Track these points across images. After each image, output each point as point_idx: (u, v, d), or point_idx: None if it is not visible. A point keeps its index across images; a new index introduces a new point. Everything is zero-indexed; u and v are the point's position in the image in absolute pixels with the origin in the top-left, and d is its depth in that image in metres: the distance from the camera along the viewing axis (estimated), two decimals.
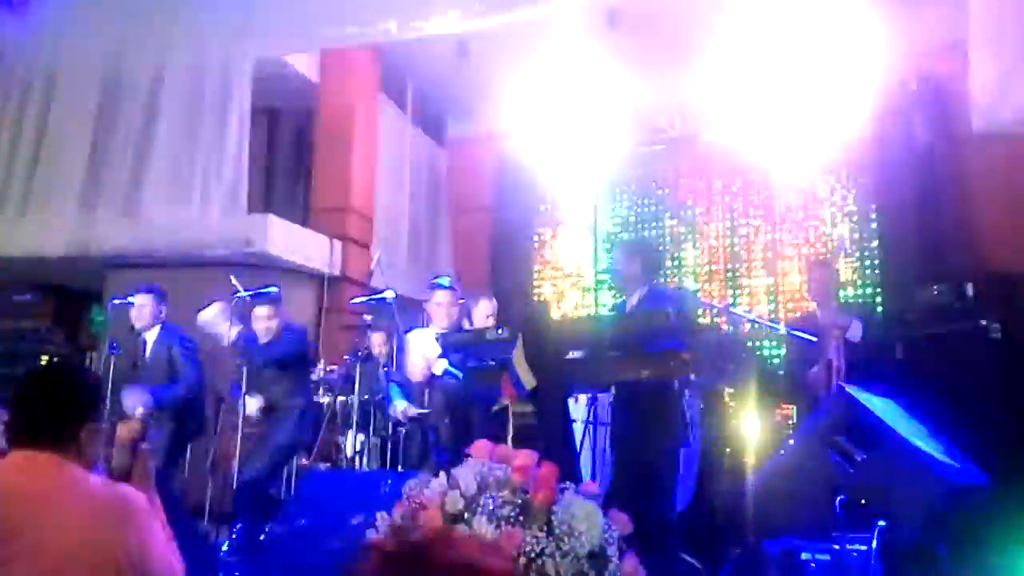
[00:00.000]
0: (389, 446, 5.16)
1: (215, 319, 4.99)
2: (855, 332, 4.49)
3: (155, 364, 5.14)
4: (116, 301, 5.35)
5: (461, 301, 4.80)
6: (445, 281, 4.89)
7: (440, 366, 4.57)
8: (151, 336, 5.21)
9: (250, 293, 5.03)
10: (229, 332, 4.92)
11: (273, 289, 4.99)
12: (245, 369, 4.90)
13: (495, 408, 3.74)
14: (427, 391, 4.66)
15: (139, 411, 4.67)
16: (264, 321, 4.97)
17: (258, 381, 4.96)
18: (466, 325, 5.05)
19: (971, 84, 5.24)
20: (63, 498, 1.93)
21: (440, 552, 2.53)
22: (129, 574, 1.91)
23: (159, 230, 6.91)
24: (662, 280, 7.23)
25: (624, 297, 4.54)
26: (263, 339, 4.96)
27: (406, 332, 4.81)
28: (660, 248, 8.08)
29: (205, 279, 6.03)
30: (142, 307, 5.18)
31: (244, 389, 4.88)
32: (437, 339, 4.63)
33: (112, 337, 5.23)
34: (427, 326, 4.91)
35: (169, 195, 7.13)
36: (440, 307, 4.75)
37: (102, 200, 7.15)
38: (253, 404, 4.92)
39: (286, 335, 5.06)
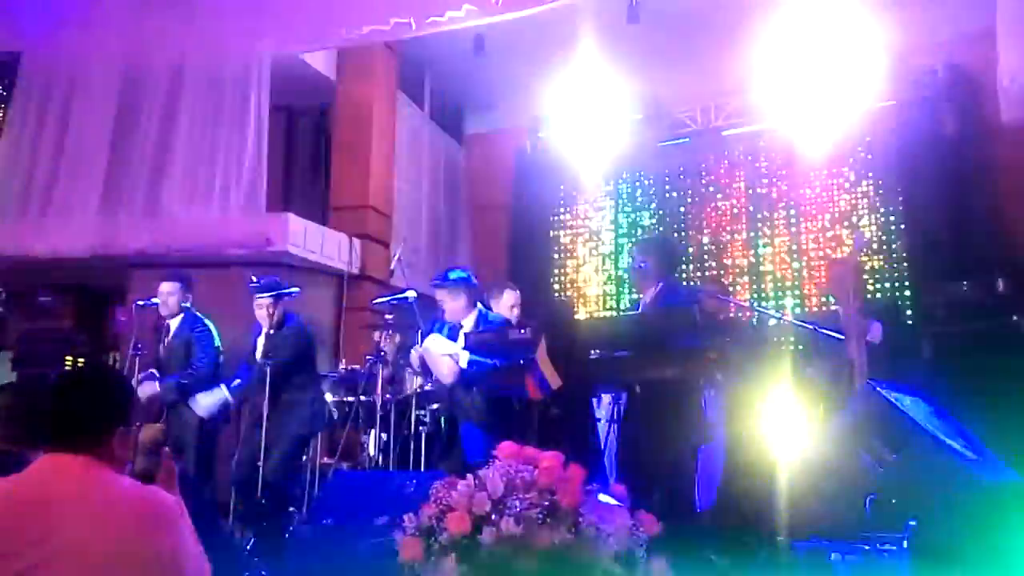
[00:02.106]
0: (412, 445, 5.15)
1: None
2: (875, 335, 4.43)
3: (175, 350, 5.27)
4: (140, 302, 5.39)
5: (463, 293, 4.74)
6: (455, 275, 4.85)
7: (465, 358, 4.55)
8: (174, 323, 5.34)
9: (271, 293, 5.02)
10: None
11: (294, 289, 4.99)
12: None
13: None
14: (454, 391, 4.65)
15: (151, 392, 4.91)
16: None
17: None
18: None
19: (999, 73, 5.14)
20: (97, 501, 1.92)
21: None
22: None
23: (180, 230, 6.92)
24: (679, 277, 7.19)
25: (641, 295, 4.52)
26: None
27: (421, 341, 4.77)
28: (678, 245, 8.02)
29: (226, 278, 6.04)
30: (168, 295, 5.29)
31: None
32: (466, 336, 4.62)
33: (137, 338, 5.26)
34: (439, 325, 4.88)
35: (189, 195, 7.15)
36: (442, 303, 4.75)
37: (123, 201, 7.18)
38: None
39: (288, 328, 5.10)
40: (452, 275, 4.74)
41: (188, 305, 5.38)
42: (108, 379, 2.20)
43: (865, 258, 7.19)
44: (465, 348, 4.57)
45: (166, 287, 5.34)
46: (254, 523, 4.73)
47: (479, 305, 4.78)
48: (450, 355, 4.53)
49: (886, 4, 6.65)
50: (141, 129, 7.41)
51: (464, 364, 4.50)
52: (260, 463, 4.57)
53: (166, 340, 5.35)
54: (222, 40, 7.42)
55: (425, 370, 4.83)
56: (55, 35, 7.64)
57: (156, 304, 5.30)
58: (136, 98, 7.48)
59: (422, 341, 4.74)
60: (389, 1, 7.17)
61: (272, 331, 4.93)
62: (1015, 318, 4.80)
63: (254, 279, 5.07)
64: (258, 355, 4.93)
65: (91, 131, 7.39)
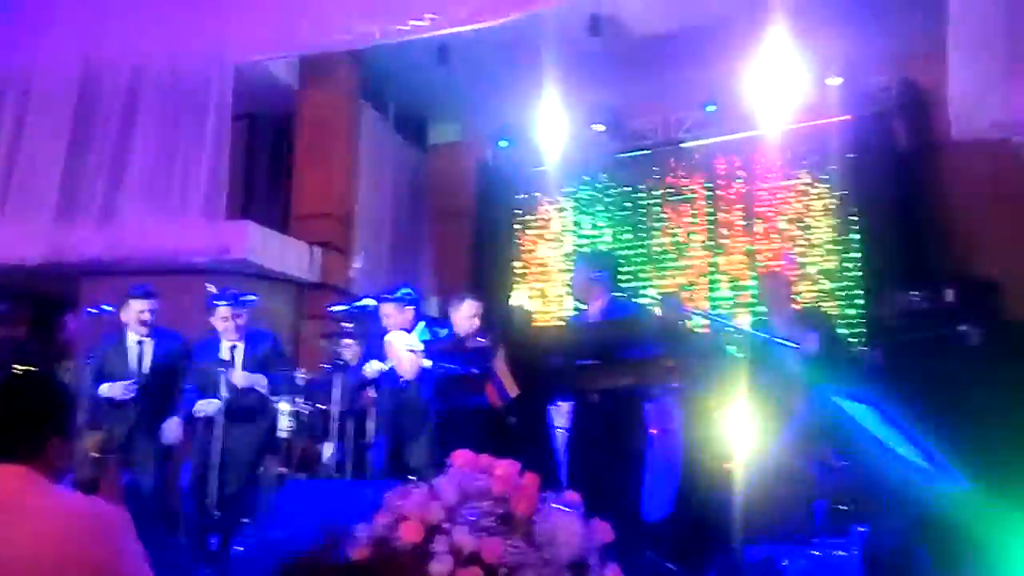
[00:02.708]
0: (369, 455, 5.12)
1: None
2: (810, 344, 4.50)
3: (158, 377, 5.12)
4: (91, 309, 5.26)
5: (410, 308, 4.81)
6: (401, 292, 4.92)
7: (427, 361, 4.58)
8: (149, 346, 5.16)
9: (228, 302, 4.97)
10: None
11: (252, 297, 4.95)
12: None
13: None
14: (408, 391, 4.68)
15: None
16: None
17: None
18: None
19: (950, 91, 5.27)
20: (33, 511, 1.88)
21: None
22: None
23: (135, 237, 6.82)
24: (625, 292, 7.23)
25: (584, 307, 4.58)
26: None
27: (383, 335, 4.81)
28: (634, 254, 8.12)
29: (181, 287, 5.95)
30: (142, 312, 5.11)
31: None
32: (426, 346, 4.65)
33: (89, 346, 5.15)
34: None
35: (147, 202, 7.06)
36: (388, 318, 4.78)
37: (79, 207, 7.07)
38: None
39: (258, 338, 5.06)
40: (399, 292, 4.81)
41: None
42: (45, 387, 2.15)
43: (814, 272, 7.33)
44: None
45: (143, 304, 5.10)
46: (210, 534, 4.68)
47: (422, 323, 4.84)
48: (413, 350, 4.56)
49: (845, 20, 6.79)
50: (98, 134, 7.31)
51: (428, 363, 4.53)
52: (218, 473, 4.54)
53: (142, 361, 5.14)
54: (183, 46, 7.35)
55: (380, 381, 4.85)
56: (10, 36, 7.50)
57: (110, 312, 5.19)
58: (94, 102, 7.38)
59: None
60: (352, 9, 7.16)
61: (240, 342, 4.89)
62: (962, 327, 4.91)
63: (212, 288, 5.02)
64: (237, 371, 4.87)
65: (47, 135, 7.27)
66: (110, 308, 5.19)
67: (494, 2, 6.74)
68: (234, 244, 6.80)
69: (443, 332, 4.88)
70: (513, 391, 3.87)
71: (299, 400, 5.37)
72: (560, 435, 4.62)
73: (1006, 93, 5.00)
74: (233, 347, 4.98)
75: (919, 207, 7.03)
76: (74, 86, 7.34)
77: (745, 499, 3.76)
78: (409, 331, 4.81)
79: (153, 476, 4.92)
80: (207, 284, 5.05)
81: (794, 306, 5.38)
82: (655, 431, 4.78)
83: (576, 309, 4.76)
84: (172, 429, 4.96)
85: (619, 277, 4.70)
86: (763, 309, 7.55)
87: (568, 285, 8.56)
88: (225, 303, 4.98)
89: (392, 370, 4.75)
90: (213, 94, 7.24)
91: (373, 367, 4.82)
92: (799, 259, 7.26)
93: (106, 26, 7.42)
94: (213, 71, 7.31)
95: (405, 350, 4.65)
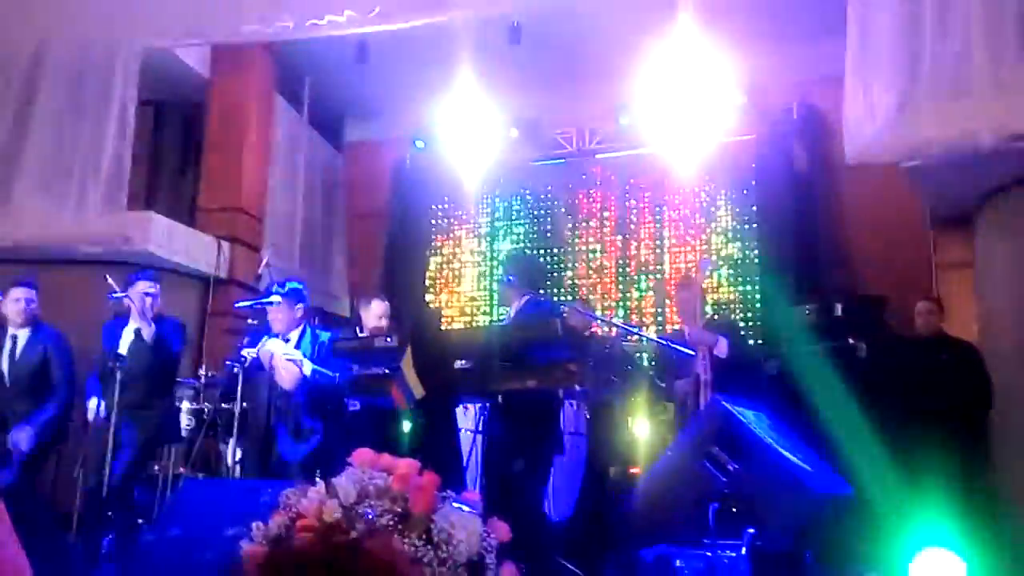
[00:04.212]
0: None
1: None
2: (721, 349, 4.68)
3: (29, 368, 4.85)
4: None
5: (299, 306, 4.68)
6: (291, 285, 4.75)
7: (308, 367, 4.45)
8: (23, 335, 4.91)
9: (125, 294, 4.79)
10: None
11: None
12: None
13: None
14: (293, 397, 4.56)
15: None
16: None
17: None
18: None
19: (845, 116, 5.53)
20: None
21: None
22: None
23: (30, 224, 6.52)
24: (544, 292, 7.34)
25: (508, 309, 4.61)
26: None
27: (256, 344, 4.60)
28: (541, 262, 8.21)
29: (78, 278, 5.73)
30: (19, 300, 4.86)
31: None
32: (332, 344, 4.52)
33: None
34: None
35: (44, 188, 6.76)
36: (274, 313, 4.64)
37: None
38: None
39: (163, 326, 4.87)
40: (288, 285, 4.66)
41: (38, 315, 4.95)
42: None
43: (715, 284, 7.56)
44: (309, 357, 4.45)
45: (21, 292, 4.86)
46: (102, 532, 4.51)
47: (308, 325, 4.69)
48: (293, 360, 4.41)
49: (750, 43, 7.06)
50: None
51: (308, 372, 4.41)
52: (107, 469, 4.35)
53: (14, 355, 4.87)
54: (88, 27, 7.08)
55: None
56: None
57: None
58: None
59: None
60: (267, 1, 7.03)
61: (150, 325, 4.71)
62: (850, 340, 5.19)
63: (107, 278, 4.84)
64: (123, 350, 4.67)
65: None
66: None
67: (411, 3, 6.73)
68: (136, 235, 6.58)
69: (324, 336, 4.64)
70: (419, 392, 3.88)
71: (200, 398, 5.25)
72: (465, 436, 4.64)
73: (897, 120, 5.28)
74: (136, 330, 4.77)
75: (815, 226, 7.36)
76: None
77: (643, 500, 3.88)
78: (285, 336, 4.61)
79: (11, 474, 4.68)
80: (106, 276, 4.85)
81: (706, 313, 5.52)
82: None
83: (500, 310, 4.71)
84: (22, 439, 4.64)
85: (537, 280, 4.70)
86: (666, 315, 7.87)
87: (478, 286, 8.65)
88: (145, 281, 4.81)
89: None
90: (118, 78, 6.98)
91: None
92: (712, 267, 7.45)
93: (4, 3, 7.07)
94: (118, 54, 7.05)
95: (284, 359, 4.46)
